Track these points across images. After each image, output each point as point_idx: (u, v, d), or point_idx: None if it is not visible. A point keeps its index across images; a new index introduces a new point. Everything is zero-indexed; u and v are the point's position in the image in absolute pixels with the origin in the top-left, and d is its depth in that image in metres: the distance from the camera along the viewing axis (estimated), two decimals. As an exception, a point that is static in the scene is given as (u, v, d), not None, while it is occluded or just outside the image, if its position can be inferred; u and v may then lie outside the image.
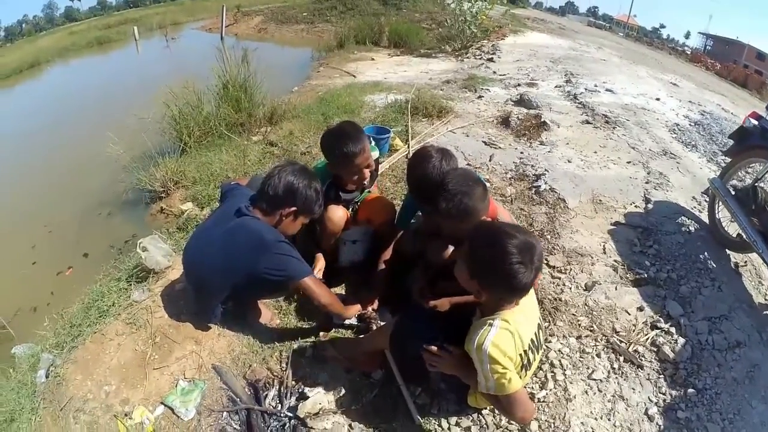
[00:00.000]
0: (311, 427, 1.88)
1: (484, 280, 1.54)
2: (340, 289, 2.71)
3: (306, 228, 2.47)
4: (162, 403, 2.00)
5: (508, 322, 1.53)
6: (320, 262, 2.54)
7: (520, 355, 1.56)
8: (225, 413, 1.99)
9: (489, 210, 2.05)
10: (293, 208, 2.01)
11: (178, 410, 1.96)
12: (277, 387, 2.08)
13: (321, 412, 1.93)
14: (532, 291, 1.76)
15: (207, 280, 2.11)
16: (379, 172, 3.01)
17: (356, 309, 2.33)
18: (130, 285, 2.62)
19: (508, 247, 1.44)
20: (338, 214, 2.42)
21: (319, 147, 4.15)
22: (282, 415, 1.96)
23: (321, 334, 2.35)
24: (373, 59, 9.45)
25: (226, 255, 1.99)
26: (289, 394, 2.03)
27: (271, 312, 2.45)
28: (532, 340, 1.63)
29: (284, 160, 4.09)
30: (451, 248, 2.10)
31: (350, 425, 1.92)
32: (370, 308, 2.35)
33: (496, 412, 1.96)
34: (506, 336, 1.51)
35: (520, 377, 1.60)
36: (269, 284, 2.01)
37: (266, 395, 2.04)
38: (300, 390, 2.04)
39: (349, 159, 2.24)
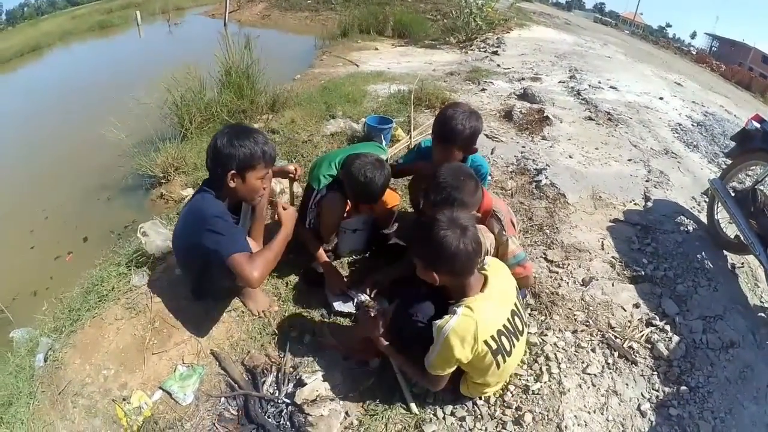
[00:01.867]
0: (308, 414, 1.89)
1: (428, 258, 1.66)
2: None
3: (308, 220, 2.49)
4: (160, 387, 2.02)
5: (471, 309, 1.62)
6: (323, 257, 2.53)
7: (486, 341, 1.63)
8: (223, 399, 2.01)
9: (484, 202, 2.07)
10: (232, 171, 1.94)
11: (176, 395, 1.99)
12: (275, 373, 2.09)
13: (318, 398, 1.95)
14: (506, 278, 1.85)
15: (177, 259, 2.21)
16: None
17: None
18: (130, 270, 2.62)
19: (436, 221, 1.60)
20: (337, 203, 2.42)
21: (320, 136, 4.20)
22: (279, 401, 1.97)
23: (319, 321, 2.36)
24: (376, 49, 9.38)
25: (181, 232, 2.09)
26: (286, 381, 2.05)
27: (269, 299, 2.46)
28: (505, 326, 1.71)
29: (278, 146, 4.09)
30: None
31: (347, 412, 1.94)
32: (365, 296, 2.35)
33: (491, 402, 2.00)
34: (467, 323, 1.60)
35: (498, 363, 1.70)
36: (217, 263, 1.89)
37: (264, 381, 2.05)
38: (297, 377, 2.06)
39: (366, 203, 2.35)
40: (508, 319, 1.74)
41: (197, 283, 2.21)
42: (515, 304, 1.81)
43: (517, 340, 1.79)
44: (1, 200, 4.66)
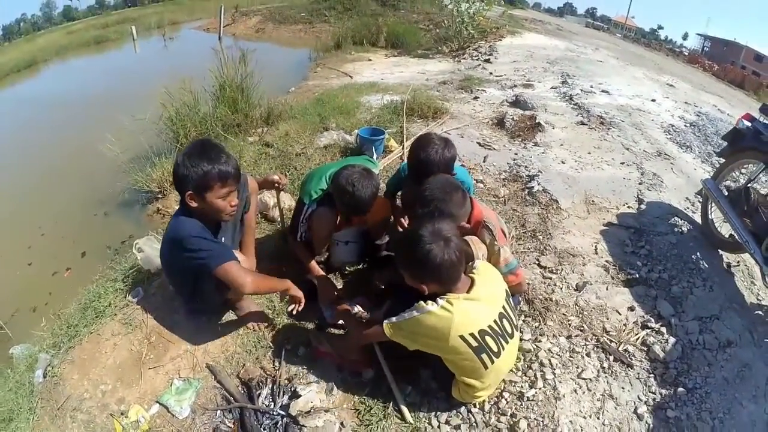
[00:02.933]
0: (303, 425, 1.90)
1: (414, 271, 1.74)
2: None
3: (299, 233, 2.51)
4: (157, 401, 2.03)
5: (451, 304, 1.68)
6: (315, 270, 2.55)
7: (462, 337, 1.68)
8: (219, 412, 2.02)
9: (474, 213, 2.08)
10: (189, 192, 1.93)
11: (173, 409, 2.00)
12: (270, 386, 2.10)
13: (312, 410, 1.95)
14: (496, 281, 1.89)
15: (166, 277, 2.25)
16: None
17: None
18: (126, 285, 2.66)
19: (419, 234, 1.68)
20: (327, 217, 2.44)
21: (314, 148, 4.22)
22: (274, 413, 1.98)
23: (313, 332, 2.37)
24: (370, 60, 9.45)
25: (164, 256, 2.13)
26: (281, 393, 2.05)
27: (264, 312, 2.47)
28: (490, 327, 1.75)
29: (272, 159, 4.11)
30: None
31: (342, 423, 1.94)
32: (358, 307, 2.36)
33: (486, 410, 2.00)
34: (442, 315, 1.67)
35: (484, 363, 1.75)
36: (207, 275, 1.96)
37: (259, 394, 2.06)
38: (292, 389, 2.06)
39: (355, 214, 2.36)
40: (495, 321, 1.77)
41: (190, 300, 2.23)
42: (504, 307, 1.84)
43: (506, 342, 1.81)
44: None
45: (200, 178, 1.90)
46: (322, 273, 2.55)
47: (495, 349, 1.76)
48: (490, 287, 1.83)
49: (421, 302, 1.72)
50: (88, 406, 2.00)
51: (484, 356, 1.73)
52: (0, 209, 4.79)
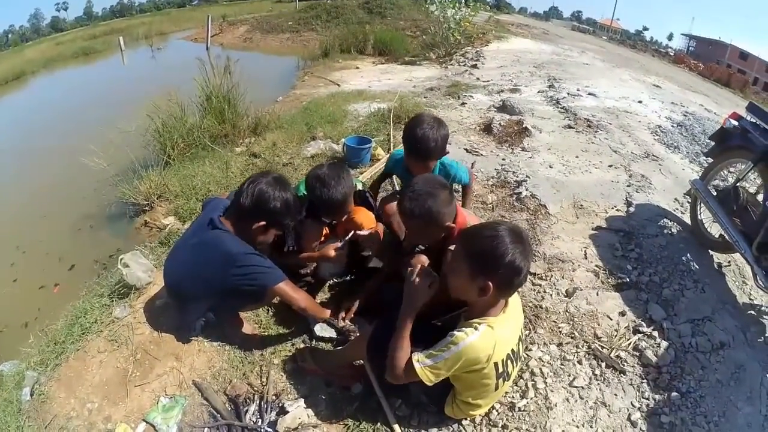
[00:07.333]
0: (291, 442, 1.87)
1: (486, 270, 1.51)
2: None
3: (287, 246, 2.49)
4: (144, 420, 1.98)
5: (492, 328, 1.57)
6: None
7: (495, 363, 1.60)
8: (206, 429, 1.97)
9: (459, 219, 2.07)
10: (262, 222, 2.00)
11: (160, 427, 1.95)
12: (257, 402, 2.06)
13: (300, 426, 1.92)
14: (518, 302, 1.81)
15: (184, 292, 2.14)
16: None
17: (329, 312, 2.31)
18: (113, 301, 2.61)
19: (501, 231, 1.51)
20: (313, 228, 2.44)
21: (301, 158, 4.21)
22: (262, 430, 1.94)
23: (300, 347, 2.34)
24: (357, 68, 9.50)
25: (198, 269, 2.03)
26: (269, 409, 2.02)
27: (251, 327, 2.44)
28: (513, 350, 1.68)
29: (259, 170, 4.09)
30: (424, 259, 2.13)
31: (330, 439, 1.91)
32: (346, 319, 2.33)
33: (477, 422, 1.97)
34: (487, 342, 1.55)
35: (497, 387, 1.67)
36: (245, 294, 2.03)
37: (246, 410, 2.02)
38: (280, 404, 2.03)
39: (327, 211, 2.35)
40: (516, 344, 1.72)
41: (200, 316, 2.23)
42: (521, 330, 1.80)
43: (516, 364, 1.77)
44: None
45: (279, 217, 2.05)
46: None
47: (510, 371, 1.70)
48: (517, 308, 1.76)
49: (456, 333, 1.56)
50: (75, 425, 1.95)
51: (500, 380, 1.67)
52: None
